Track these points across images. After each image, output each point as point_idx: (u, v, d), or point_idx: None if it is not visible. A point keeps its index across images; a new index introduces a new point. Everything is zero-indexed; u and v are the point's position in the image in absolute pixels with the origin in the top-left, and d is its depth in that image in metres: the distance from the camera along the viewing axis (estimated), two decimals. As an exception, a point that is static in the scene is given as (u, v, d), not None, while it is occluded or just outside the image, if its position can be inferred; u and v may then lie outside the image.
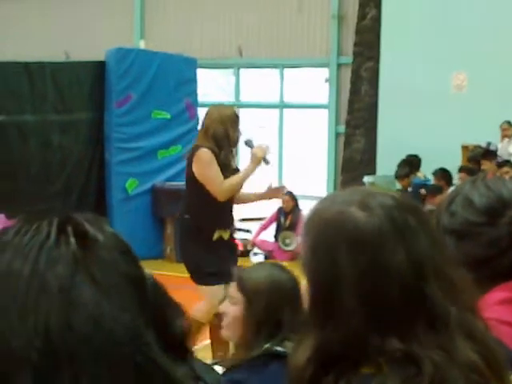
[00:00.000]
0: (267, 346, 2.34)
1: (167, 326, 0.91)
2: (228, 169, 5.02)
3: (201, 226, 4.97)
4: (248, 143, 5.24)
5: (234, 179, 4.95)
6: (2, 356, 0.80)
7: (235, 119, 5.11)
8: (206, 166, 4.90)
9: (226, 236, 5.05)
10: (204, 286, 4.97)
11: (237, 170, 5.13)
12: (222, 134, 4.97)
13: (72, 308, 0.81)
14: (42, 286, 0.82)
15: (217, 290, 4.88)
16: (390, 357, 1.15)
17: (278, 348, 2.32)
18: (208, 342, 5.22)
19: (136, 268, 0.90)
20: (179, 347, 0.92)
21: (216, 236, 4.99)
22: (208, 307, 4.92)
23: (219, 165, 4.94)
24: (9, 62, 8.99)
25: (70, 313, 0.81)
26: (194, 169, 4.94)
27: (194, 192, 4.99)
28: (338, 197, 1.29)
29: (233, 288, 2.56)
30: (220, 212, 4.99)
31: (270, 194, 5.29)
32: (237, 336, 2.52)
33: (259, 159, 5.02)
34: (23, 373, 0.80)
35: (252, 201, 5.36)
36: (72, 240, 0.85)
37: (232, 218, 5.21)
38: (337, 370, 1.17)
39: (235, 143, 5.13)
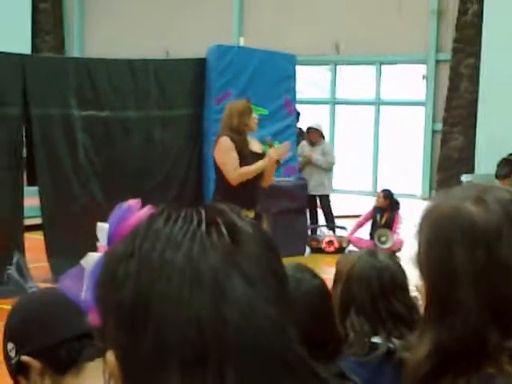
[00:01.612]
0: (377, 341, 2.29)
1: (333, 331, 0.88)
2: (245, 154, 5.76)
3: None
4: (266, 141, 6.10)
5: (247, 169, 5.70)
6: (155, 347, 0.79)
7: (244, 111, 5.88)
8: (223, 152, 5.69)
9: (251, 215, 5.55)
10: None
11: (260, 154, 5.86)
12: (234, 124, 5.78)
13: (224, 300, 0.79)
14: (195, 276, 0.80)
15: None
16: None
17: (391, 345, 2.27)
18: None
19: (280, 264, 0.87)
20: (327, 346, 0.90)
21: None
22: None
23: (238, 152, 5.68)
24: (113, 60, 9.24)
25: (223, 305, 0.79)
26: (214, 155, 5.73)
27: (221, 176, 5.75)
28: (454, 192, 1.28)
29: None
30: (244, 193, 5.61)
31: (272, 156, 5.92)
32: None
33: (273, 160, 5.86)
34: (172, 364, 0.79)
35: (269, 176, 6.08)
36: (224, 231, 0.82)
37: (257, 198, 5.89)
38: (457, 369, 1.15)
39: (244, 131, 5.85)
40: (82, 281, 0.89)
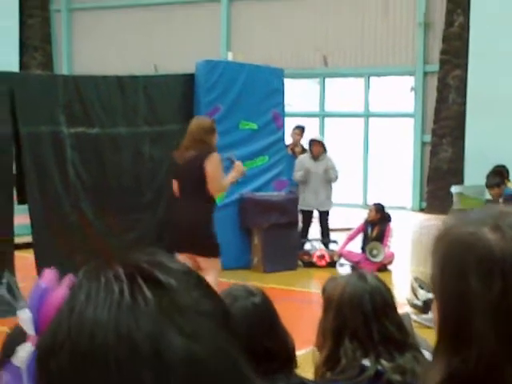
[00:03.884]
0: (366, 363, 2.27)
1: (280, 343, 0.87)
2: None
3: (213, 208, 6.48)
4: (229, 158, 6.95)
5: (225, 181, 6.53)
6: None
7: (212, 130, 6.48)
8: (217, 165, 6.35)
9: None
10: (213, 258, 6.17)
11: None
12: (211, 143, 6.42)
13: (167, 368, 0.76)
14: (132, 352, 0.76)
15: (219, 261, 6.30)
16: None
17: (379, 367, 2.25)
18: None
19: (213, 300, 0.84)
20: (287, 365, 0.87)
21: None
22: (215, 278, 5.92)
23: None
24: (102, 76, 9.23)
25: (167, 374, 0.76)
26: (206, 167, 6.26)
27: (200, 188, 6.34)
28: (470, 215, 1.23)
29: None
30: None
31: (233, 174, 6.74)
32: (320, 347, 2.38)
33: (237, 176, 6.75)
34: None
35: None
36: (148, 294, 0.79)
37: None
38: None
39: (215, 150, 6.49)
40: (21, 380, 0.86)
